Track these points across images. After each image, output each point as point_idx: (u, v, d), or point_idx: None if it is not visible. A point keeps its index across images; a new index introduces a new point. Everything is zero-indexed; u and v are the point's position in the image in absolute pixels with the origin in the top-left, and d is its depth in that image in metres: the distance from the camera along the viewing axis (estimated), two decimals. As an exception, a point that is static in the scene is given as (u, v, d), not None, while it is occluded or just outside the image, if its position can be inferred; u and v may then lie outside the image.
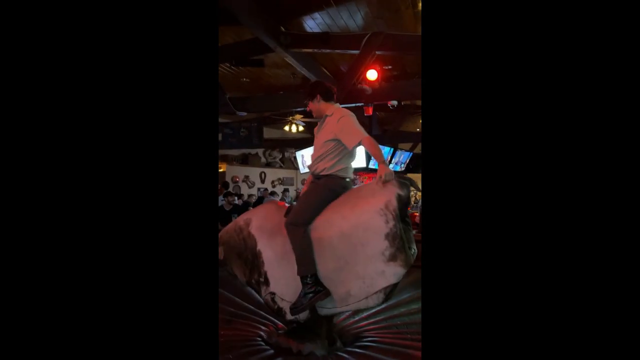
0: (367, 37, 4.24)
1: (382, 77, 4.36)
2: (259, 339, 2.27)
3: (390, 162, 7.35)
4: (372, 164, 6.71)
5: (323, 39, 4.26)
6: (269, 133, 8.54)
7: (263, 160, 10.20)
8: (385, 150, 7.03)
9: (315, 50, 4.46)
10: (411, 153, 8.24)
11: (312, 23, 4.39)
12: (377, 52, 4.28)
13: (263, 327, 2.42)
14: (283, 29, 4.30)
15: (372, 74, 4.24)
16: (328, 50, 4.51)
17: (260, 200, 7.21)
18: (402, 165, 8.00)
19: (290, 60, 4.71)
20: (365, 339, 2.22)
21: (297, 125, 7.58)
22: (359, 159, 6.52)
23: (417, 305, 2.49)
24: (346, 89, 4.50)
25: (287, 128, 7.73)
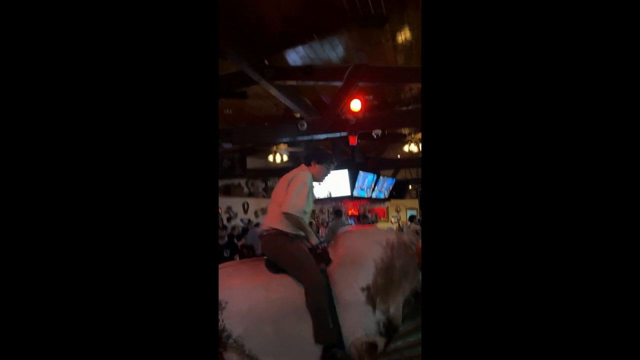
0: (349, 69, 4.35)
1: (365, 108, 4.44)
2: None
3: (373, 189, 7.40)
4: (357, 193, 6.75)
5: (306, 71, 4.35)
6: (252, 163, 8.53)
7: (246, 190, 10.13)
8: (369, 178, 7.09)
9: (300, 82, 4.54)
10: (394, 179, 8.34)
11: (295, 56, 4.48)
12: (359, 84, 4.38)
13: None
14: (267, 62, 4.37)
15: (356, 104, 4.32)
16: (311, 83, 4.59)
17: (245, 232, 7.10)
18: (386, 192, 8.07)
19: (273, 92, 4.77)
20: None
21: (281, 155, 7.60)
22: (344, 187, 6.54)
23: (415, 338, 2.44)
24: (331, 120, 4.56)
25: (271, 158, 7.74)
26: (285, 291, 2.07)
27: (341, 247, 2.25)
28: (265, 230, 2.27)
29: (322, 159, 2.41)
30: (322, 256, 2.18)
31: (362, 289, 2.05)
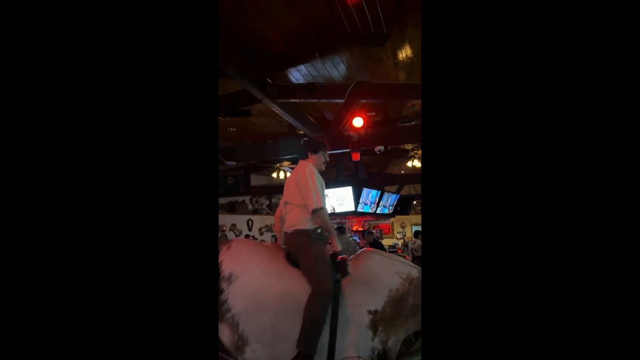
0: (351, 86, 4.39)
1: (367, 124, 4.47)
2: None
3: (378, 204, 7.38)
4: (361, 208, 6.72)
5: (309, 89, 4.40)
6: (255, 180, 8.55)
7: (250, 207, 10.12)
8: (373, 194, 7.08)
9: (302, 100, 4.58)
10: (398, 195, 8.31)
11: (298, 74, 4.54)
12: (361, 101, 4.42)
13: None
14: (270, 80, 4.43)
15: (357, 122, 4.36)
16: (314, 100, 4.64)
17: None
18: (390, 207, 8.04)
19: (277, 109, 4.82)
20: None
21: (284, 172, 7.62)
22: (348, 203, 6.53)
23: (418, 358, 2.40)
24: (333, 137, 4.59)
25: (275, 175, 7.76)
26: (296, 287, 2.05)
27: (362, 265, 2.24)
28: (290, 230, 2.30)
29: (315, 148, 2.47)
30: (340, 265, 2.18)
31: (369, 312, 2.03)
